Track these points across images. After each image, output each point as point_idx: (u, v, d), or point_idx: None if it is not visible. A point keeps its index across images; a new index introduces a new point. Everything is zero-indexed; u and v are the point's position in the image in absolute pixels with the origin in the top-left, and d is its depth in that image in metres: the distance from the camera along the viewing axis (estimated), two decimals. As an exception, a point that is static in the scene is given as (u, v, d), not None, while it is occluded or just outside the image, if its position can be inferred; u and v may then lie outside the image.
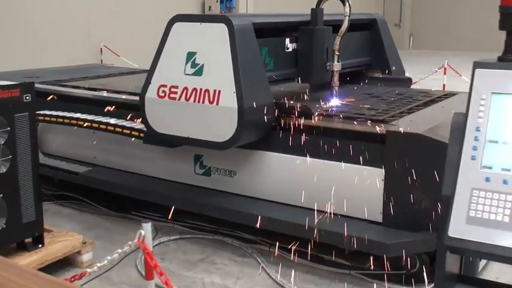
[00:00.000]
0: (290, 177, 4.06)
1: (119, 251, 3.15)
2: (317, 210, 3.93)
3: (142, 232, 2.91)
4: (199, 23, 4.02)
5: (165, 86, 4.11)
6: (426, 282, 3.61)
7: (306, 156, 3.96)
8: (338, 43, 4.53)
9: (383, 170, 3.68)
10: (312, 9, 4.62)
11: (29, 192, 3.76)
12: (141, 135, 4.43)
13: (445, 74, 10.06)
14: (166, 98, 4.10)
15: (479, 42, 21.59)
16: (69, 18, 10.91)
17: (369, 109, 4.30)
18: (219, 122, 3.89)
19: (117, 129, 4.57)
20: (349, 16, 4.52)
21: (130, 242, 3.09)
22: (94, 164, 5.19)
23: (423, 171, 3.53)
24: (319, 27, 4.54)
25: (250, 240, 4.37)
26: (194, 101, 3.97)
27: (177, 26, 4.11)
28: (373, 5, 22.27)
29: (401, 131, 3.62)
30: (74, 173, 5.01)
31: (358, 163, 3.78)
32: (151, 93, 4.17)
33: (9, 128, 3.58)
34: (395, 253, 3.57)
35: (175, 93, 4.06)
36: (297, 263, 4.01)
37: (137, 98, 4.75)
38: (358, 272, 3.87)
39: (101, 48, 11.28)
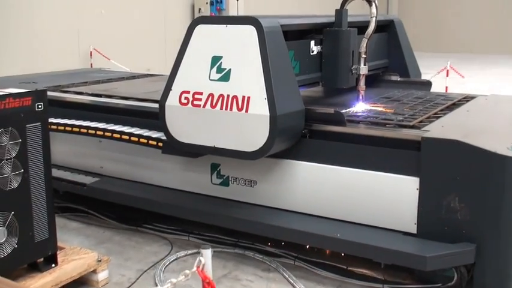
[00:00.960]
0: (317, 186, 3.84)
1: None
2: (346, 221, 3.75)
3: (202, 259, 2.63)
4: (224, 25, 3.76)
5: (187, 92, 3.84)
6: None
7: (336, 165, 3.76)
8: (365, 45, 4.32)
9: (418, 178, 3.48)
10: (336, 10, 4.40)
11: (41, 208, 3.46)
12: (160, 144, 4.15)
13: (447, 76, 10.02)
14: (190, 105, 3.83)
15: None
16: (59, 21, 10.56)
17: (395, 114, 4.12)
18: (249, 130, 3.64)
19: (132, 138, 4.28)
20: (376, 17, 4.31)
21: (187, 272, 2.82)
22: (101, 175, 4.89)
23: (460, 179, 3.35)
24: (345, 29, 4.32)
25: (273, 253, 4.12)
26: (221, 108, 3.71)
27: (200, 28, 3.84)
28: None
29: (438, 138, 3.43)
30: (81, 185, 4.71)
31: (391, 171, 3.58)
32: (172, 100, 3.90)
33: (20, 140, 3.28)
34: (434, 267, 3.37)
35: (200, 100, 3.79)
36: (325, 278, 3.80)
37: (151, 104, 4.53)
38: (392, 286, 3.64)
39: (91, 52, 10.93)
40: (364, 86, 4.39)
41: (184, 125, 3.88)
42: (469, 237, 3.38)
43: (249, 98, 3.62)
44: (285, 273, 3.88)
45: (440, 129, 3.71)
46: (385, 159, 3.60)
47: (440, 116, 4.12)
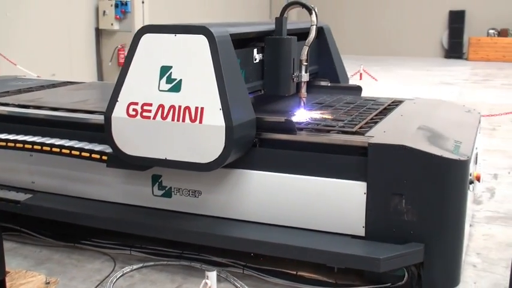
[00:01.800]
0: (266, 195, 3.85)
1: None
2: (295, 228, 3.80)
3: (208, 282, 2.55)
4: (173, 35, 3.68)
5: (135, 103, 3.74)
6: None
7: (285, 173, 3.80)
8: (306, 53, 4.38)
9: (365, 183, 3.59)
10: (276, 18, 4.43)
11: None
12: (104, 158, 4.00)
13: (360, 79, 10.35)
14: (139, 117, 3.73)
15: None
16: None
17: (335, 120, 4.23)
18: (203, 141, 3.60)
19: (73, 152, 4.09)
20: (316, 25, 4.39)
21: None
22: (33, 190, 4.64)
23: (407, 182, 3.49)
24: (286, 37, 4.37)
25: (220, 263, 4.09)
26: (172, 119, 3.64)
27: (147, 37, 3.74)
28: (257, 9, 22.47)
29: (384, 143, 3.56)
30: (14, 202, 4.44)
31: (339, 177, 3.67)
32: (119, 112, 3.78)
33: None
34: (387, 268, 3.50)
35: (149, 111, 3.70)
36: (277, 284, 3.85)
37: (83, 115, 4.37)
38: (343, 288, 3.73)
39: (-4, 56, 10.32)
40: (306, 93, 4.46)
41: (132, 138, 3.77)
42: (416, 237, 3.53)
43: (202, 108, 3.58)
44: (236, 283, 3.87)
45: (383, 134, 3.84)
46: (333, 166, 3.68)
47: (377, 121, 4.25)
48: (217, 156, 3.58)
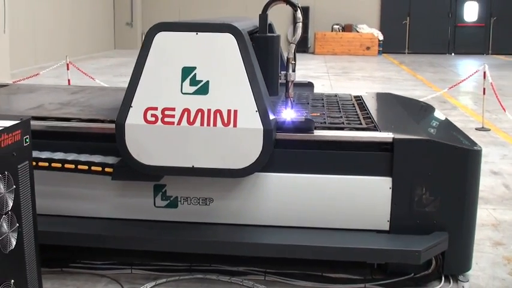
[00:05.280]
0: (287, 197, 3.73)
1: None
2: (317, 228, 3.75)
3: None
4: (194, 33, 3.43)
5: (154, 108, 3.42)
6: (443, 280, 3.73)
7: (306, 173, 3.71)
8: (293, 51, 4.30)
9: (390, 178, 3.64)
10: (260, 15, 4.30)
11: (33, 270, 2.79)
12: (107, 170, 3.61)
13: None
14: (159, 123, 3.42)
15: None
16: None
17: (332, 117, 4.22)
18: (238, 146, 3.40)
19: (67, 165, 3.62)
20: (302, 22, 4.32)
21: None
22: None
23: (431, 173, 3.61)
24: (275, 35, 4.25)
25: (236, 272, 3.84)
26: (201, 124, 3.40)
27: (162, 36, 3.45)
28: (101, 3, 21.65)
29: (409, 138, 3.64)
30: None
31: (364, 174, 3.68)
32: (134, 118, 3.43)
33: (14, 186, 2.59)
34: (425, 259, 3.59)
35: (172, 116, 3.41)
36: (305, 287, 3.76)
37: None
38: (374, 284, 3.74)
39: None
40: (293, 93, 4.38)
41: (151, 146, 3.45)
42: (438, 226, 3.66)
43: (236, 111, 3.38)
44: None
45: (403, 129, 3.87)
46: (357, 163, 3.67)
47: (369, 117, 4.30)
48: (253, 161, 3.41)
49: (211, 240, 3.67)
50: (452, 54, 22.11)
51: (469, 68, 18.26)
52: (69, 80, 9.50)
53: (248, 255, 3.74)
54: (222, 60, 3.42)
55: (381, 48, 22.02)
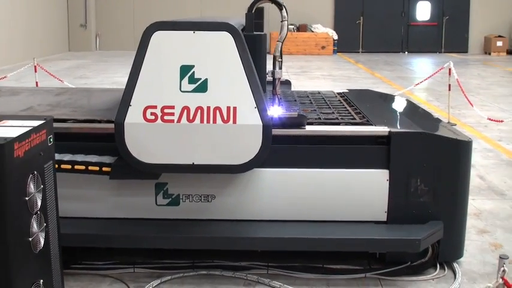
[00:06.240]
0: (285, 192, 3.81)
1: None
2: (317, 221, 3.84)
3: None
4: (191, 32, 3.47)
5: (154, 107, 3.45)
6: (438, 267, 3.87)
7: (303, 168, 3.80)
8: (280, 49, 4.39)
9: (387, 170, 3.76)
10: (246, 14, 4.37)
11: (58, 271, 2.78)
12: (105, 169, 3.61)
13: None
14: (159, 121, 3.45)
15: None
16: None
17: (325, 113, 4.32)
18: (238, 142, 3.46)
19: (63, 166, 3.61)
20: (287, 21, 4.41)
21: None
22: None
23: (426, 165, 3.74)
24: (262, 33, 4.33)
25: (239, 267, 3.87)
26: (201, 121, 3.44)
27: (159, 35, 3.47)
28: (54, 4, 21.28)
29: (405, 131, 3.77)
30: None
31: (361, 167, 3.79)
32: (133, 117, 3.44)
33: (42, 186, 2.58)
34: (424, 247, 3.71)
35: (172, 114, 3.44)
36: (309, 279, 3.82)
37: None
38: (374, 273, 3.84)
39: None
40: (280, 90, 4.46)
41: (151, 144, 3.47)
42: (433, 216, 3.81)
43: (235, 108, 3.44)
44: (273, 284, 3.71)
45: (396, 122, 4.02)
46: (354, 156, 3.78)
47: (360, 112, 4.38)
48: (253, 157, 3.48)
49: (215, 236, 3.71)
50: (406, 52, 22.60)
51: (424, 65, 18.77)
52: (37, 83, 9.33)
53: (251, 250, 3.81)
54: (220, 58, 3.47)
55: (335, 48, 22.33)
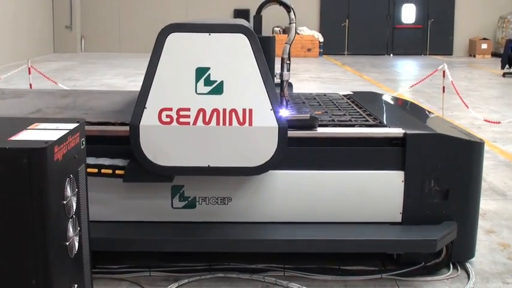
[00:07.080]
0: (301, 193, 3.81)
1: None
2: (332, 223, 3.85)
3: None
4: (207, 34, 3.46)
5: (169, 109, 3.43)
6: (451, 267, 3.90)
7: (319, 169, 3.81)
8: (288, 51, 4.40)
9: (403, 172, 3.78)
10: (254, 16, 4.39)
11: (89, 276, 2.75)
12: (118, 172, 3.59)
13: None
14: (175, 123, 3.43)
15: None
16: None
17: (338, 115, 4.32)
18: (254, 144, 3.46)
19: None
20: (295, 23, 4.43)
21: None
22: None
23: (440, 166, 3.78)
24: (271, 36, 4.35)
25: (255, 269, 3.86)
26: (217, 123, 3.44)
27: (174, 37, 3.45)
28: (40, 5, 21.11)
29: (420, 133, 3.80)
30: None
31: (377, 168, 3.81)
32: (148, 119, 3.43)
33: (77, 190, 2.55)
34: (440, 247, 3.75)
35: (187, 116, 3.43)
36: (326, 281, 3.82)
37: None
38: (390, 274, 3.85)
39: None
40: (287, 92, 4.47)
41: (167, 147, 3.46)
42: (447, 216, 3.84)
43: (251, 110, 3.44)
44: (292, 285, 3.71)
45: (410, 124, 4.02)
46: (370, 158, 3.80)
47: (371, 114, 4.36)
48: (269, 159, 3.48)
49: (232, 238, 3.70)
50: (391, 55, 22.78)
51: (410, 68, 18.92)
52: (30, 85, 9.24)
53: (268, 252, 3.81)
54: (235, 60, 3.47)
55: (321, 50, 22.45)
